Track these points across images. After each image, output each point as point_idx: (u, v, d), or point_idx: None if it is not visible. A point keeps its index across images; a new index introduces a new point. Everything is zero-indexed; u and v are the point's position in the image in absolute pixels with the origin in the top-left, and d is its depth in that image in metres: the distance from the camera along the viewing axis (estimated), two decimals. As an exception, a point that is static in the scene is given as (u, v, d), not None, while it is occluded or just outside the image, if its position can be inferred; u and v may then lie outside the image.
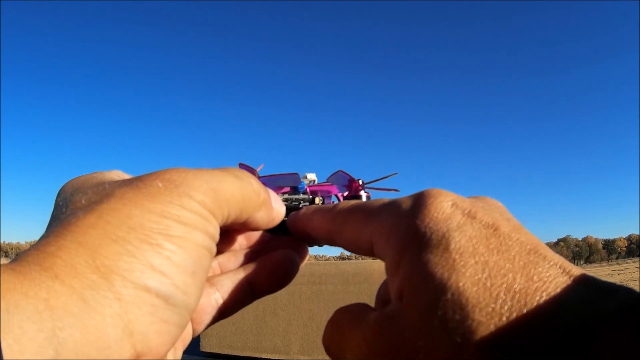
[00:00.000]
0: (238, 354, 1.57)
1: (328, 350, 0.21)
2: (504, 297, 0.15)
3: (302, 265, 0.26)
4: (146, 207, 0.17)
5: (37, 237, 0.18)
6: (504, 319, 0.14)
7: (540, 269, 0.15)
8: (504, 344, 0.14)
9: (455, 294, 0.15)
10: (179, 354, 0.21)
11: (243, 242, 0.26)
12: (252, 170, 0.28)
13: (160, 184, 0.18)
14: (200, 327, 0.22)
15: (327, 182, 0.30)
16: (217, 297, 0.22)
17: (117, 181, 0.19)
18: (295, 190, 0.29)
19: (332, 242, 0.24)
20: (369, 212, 0.21)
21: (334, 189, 0.29)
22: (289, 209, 0.26)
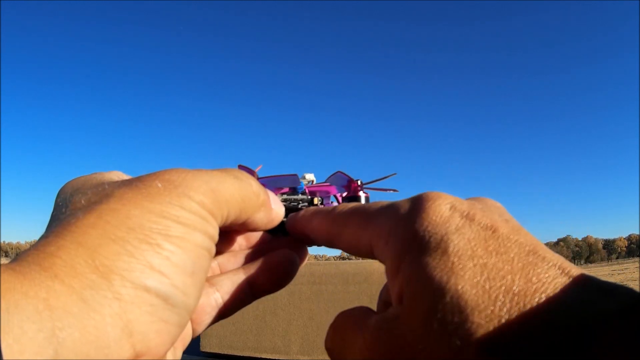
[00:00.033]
0: (238, 354, 1.57)
1: (330, 354, 0.21)
2: (502, 299, 0.15)
3: (302, 265, 0.26)
4: (145, 207, 0.17)
5: (37, 237, 0.18)
6: (503, 321, 0.14)
7: (539, 270, 0.15)
8: (504, 345, 0.14)
9: (454, 297, 0.15)
10: (179, 354, 0.21)
11: (242, 242, 0.26)
12: (251, 172, 0.28)
13: (159, 185, 0.18)
14: (200, 328, 0.22)
15: (325, 182, 0.30)
16: (216, 297, 0.22)
17: (117, 182, 0.19)
18: (294, 190, 0.29)
19: (331, 245, 0.24)
20: (368, 215, 0.21)
21: (333, 190, 0.29)
22: (288, 210, 0.26)
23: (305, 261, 0.26)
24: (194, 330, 0.22)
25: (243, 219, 0.22)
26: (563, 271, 0.16)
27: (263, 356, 1.54)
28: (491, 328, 0.14)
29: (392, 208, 0.20)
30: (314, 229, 0.24)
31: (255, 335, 1.56)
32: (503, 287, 0.15)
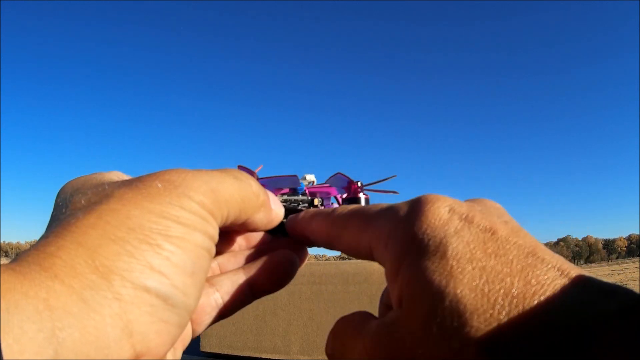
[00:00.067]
0: (238, 354, 1.57)
1: None
2: (501, 303, 0.15)
3: (302, 265, 0.26)
4: (145, 207, 0.17)
5: (37, 237, 0.18)
6: (502, 324, 0.14)
7: (538, 272, 0.15)
8: (503, 345, 0.14)
9: (453, 301, 0.15)
10: (179, 354, 0.21)
11: (242, 243, 0.26)
12: (251, 172, 0.28)
13: (159, 185, 0.18)
14: (200, 328, 0.23)
15: (325, 183, 0.30)
16: (216, 297, 0.22)
17: (117, 182, 0.19)
18: (294, 191, 0.29)
19: (331, 247, 0.24)
20: (368, 217, 0.21)
21: (333, 191, 0.29)
22: (288, 210, 0.26)
23: (305, 261, 0.26)
24: (193, 331, 0.22)
25: (243, 219, 0.22)
26: (562, 273, 0.16)
27: (263, 356, 1.54)
28: (490, 331, 0.14)
29: (391, 211, 0.20)
30: (314, 230, 0.24)
31: (255, 335, 1.56)
32: (502, 290, 0.15)
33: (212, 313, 0.22)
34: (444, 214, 0.18)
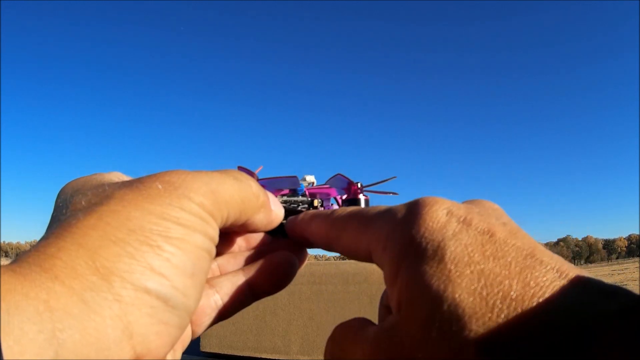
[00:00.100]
0: (238, 354, 1.57)
1: None
2: (500, 306, 0.15)
3: (302, 265, 0.26)
4: (146, 209, 0.17)
5: (37, 237, 0.18)
6: (501, 326, 0.14)
7: (537, 274, 0.15)
8: (502, 345, 0.14)
9: (452, 305, 0.15)
10: (178, 355, 0.22)
11: (242, 244, 0.26)
12: (251, 173, 0.28)
13: (159, 186, 0.18)
14: (200, 329, 0.23)
15: (325, 184, 0.30)
16: (216, 298, 0.22)
17: (117, 183, 0.19)
18: (294, 192, 0.29)
19: (330, 248, 0.24)
20: (366, 219, 0.21)
21: (333, 192, 0.29)
22: (288, 211, 0.26)
23: (305, 262, 0.26)
24: (193, 332, 0.22)
25: (243, 220, 0.22)
26: (561, 274, 0.15)
27: (263, 356, 1.54)
28: (489, 335, 0.14)
29: (389, 213, 0.20)
30: (313, 232, 0.24)
31: (255, 335, 1.56)
32: (500, 293, 0.15)
33: (212, 314, 0.22)
34: (442, 216, 0.18)
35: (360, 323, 0.20)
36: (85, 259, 0.16)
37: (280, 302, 1.55)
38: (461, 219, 0.18)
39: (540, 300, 0.15)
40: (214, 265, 0.24)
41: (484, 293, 0.15)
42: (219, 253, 0.25)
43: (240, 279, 0.23)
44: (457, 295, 0.15)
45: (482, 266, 0.16)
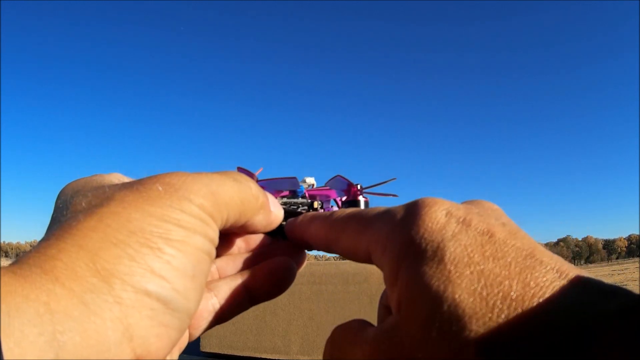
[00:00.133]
0: (238, 354, 1.58)
1: None
2: (500, 306, 0.15)
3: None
4: (146, 210, 0.17)
5: (37, 238, 0.18)
6: (501, 327, 0.14)
7: (537, 274, 0.15)
8: (502, 345, 0.14)
9: (452, 306, 0.15)
10: (175, 356, 0.22)
11: (242, 245, 0.26)
12: (250, 174, 0.28)
13: (160, 188, 0.18)
14: (197, 332, 0.23)
15: (325, 186, 0.30)
16: (214, 302, 0.23)
17: (117, 184, 0.19)
18: (294, 194, 0.29)
19: (329, 250, 0.24)
20: (365, 221, 0.21)
21: (333, 194, 0.29)
22: (288, 213, 0.26)
23: (305, 262, 0.26)
24: (190, 335, 0.22)
25: (242, 222, 0.22)
26: (561, 274, 0.15)
27: (263, 356, 1.54)
28: (489, 335, 0.14)
29: (388, 214, 0.20)
30: (312, 234, 0.24)
31: (255, 335, 1.56)
32: (500, 294, 0.15)
33: (209, 318, 0.22)
34: (441, 217, 0.18)
35: (360, 324, 0.20)
36: (85, 261, 0.16)
37: (280, 302, 1.55)
38: (460, 220, 0.18)
39: (540, 300, 0.15)
40: (213, 268, 0.24)
41: (484, 293, 0.15)
42: (218, 254, 0.25)
43: (238, 283, 0.23)
44: (457, 296, 0.15)
45: (481, 267, 0.16)
